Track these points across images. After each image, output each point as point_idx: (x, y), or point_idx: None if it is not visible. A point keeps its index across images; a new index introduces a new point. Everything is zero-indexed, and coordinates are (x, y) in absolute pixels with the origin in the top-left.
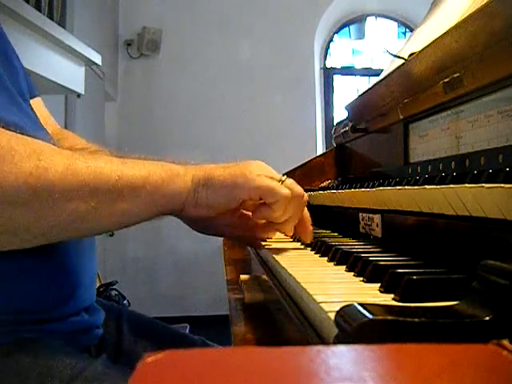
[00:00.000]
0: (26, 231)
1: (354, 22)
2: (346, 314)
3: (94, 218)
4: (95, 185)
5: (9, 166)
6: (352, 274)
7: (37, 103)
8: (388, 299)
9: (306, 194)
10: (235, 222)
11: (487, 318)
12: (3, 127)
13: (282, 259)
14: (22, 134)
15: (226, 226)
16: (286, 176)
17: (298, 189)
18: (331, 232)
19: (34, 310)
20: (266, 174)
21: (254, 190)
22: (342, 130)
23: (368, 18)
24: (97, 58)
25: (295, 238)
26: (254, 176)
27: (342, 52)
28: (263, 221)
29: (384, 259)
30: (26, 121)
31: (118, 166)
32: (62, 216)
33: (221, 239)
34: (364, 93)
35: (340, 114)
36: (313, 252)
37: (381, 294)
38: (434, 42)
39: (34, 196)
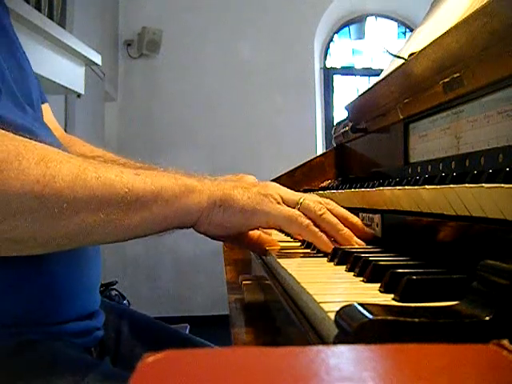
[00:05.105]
0: (31, 240)
1: (354, 21)
2: (346, 314)
3: (101, 229)
4: (104, 197)
5: (15, 172)
6: (352, 274)
7: (45, 110)
8: (388, 299)
9: (326, 205)
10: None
11: (487, 318)
12: (13, 132)
13: (282, 259)
14: (31, 139)
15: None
16: (303, 197)
17: (317, 208)
18: None
19: (36, 314)
20: (284, 198)
21: (272, 219)
22: (341, 130)
23: (368, 18)
24: (97, 58)
25: (295, 239)
26: (275, 203)
27: (342, 52)
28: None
29: (384, 259)
30: (36, 125)
31: (129, 179)
32: (68, 226)
33: None
34: (364, 93)
35: (340, 114)
36: (313, 252)
37: (381, 294)
38: (433, 41)
39: (40, 205)
